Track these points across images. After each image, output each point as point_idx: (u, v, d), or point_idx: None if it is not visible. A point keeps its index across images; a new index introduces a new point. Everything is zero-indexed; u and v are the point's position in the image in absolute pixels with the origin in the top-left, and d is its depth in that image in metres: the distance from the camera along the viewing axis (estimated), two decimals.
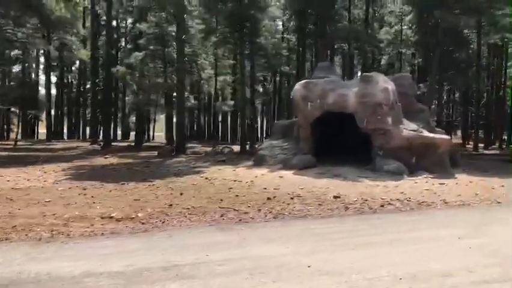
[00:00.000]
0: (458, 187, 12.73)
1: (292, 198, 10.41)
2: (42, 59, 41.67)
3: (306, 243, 6.31)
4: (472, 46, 28.64)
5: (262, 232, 7.15)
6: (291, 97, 16.77)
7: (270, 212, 8.83)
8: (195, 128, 42.01)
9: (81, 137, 42.60)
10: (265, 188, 12.04)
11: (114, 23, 35.72)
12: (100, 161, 20.56)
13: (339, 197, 10.61)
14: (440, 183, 13.17)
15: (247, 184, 12.80)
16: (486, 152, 29.03)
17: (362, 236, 6.84)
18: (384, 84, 15.04)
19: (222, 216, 8.34)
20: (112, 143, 29.91)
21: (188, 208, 9.07)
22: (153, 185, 12.85)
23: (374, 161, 14.97)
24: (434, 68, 22.09)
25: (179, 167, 17.73)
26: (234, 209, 8.96)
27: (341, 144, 17.23)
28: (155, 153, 23.29)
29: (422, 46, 25.00)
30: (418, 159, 15.16)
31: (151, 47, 23.98)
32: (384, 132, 14.91)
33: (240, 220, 8.05)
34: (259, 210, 8.98)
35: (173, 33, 23.55)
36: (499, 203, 10.57)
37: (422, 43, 24.64)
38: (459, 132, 40.23)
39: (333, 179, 13.62)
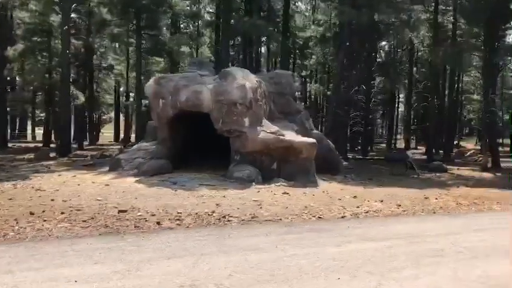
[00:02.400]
0: (302, 198, 11.15)
1: (63, 213, 8.51)
2: None
3: None
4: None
5: None
6: (145, 94, 14.97)
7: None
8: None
9: None
10: (64, 200, 10.08)
11: None
12: None
13: (125, 211, 8.78)
14: (285, 193, 11.58)
15: (49, 193, 10.84)
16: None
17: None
18: (242, 81, 13.37)
19: None
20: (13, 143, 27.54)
21: None
22: None
23: (229, 167, 13.30)
24: (338, 67, 20.70)
25: (27, 171, 15.64)
26: None
27: (212, 147, 15.52)
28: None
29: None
30: (280, 165, 13.57)
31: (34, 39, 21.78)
32: (240, 135, 13.25)
33: None
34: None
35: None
36: (319, 217, 8.99)
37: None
38: None
39: (166, 187, 11.82)
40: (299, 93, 19.05)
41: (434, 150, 33.52)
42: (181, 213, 8.88)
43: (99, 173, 14.95)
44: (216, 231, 7.03)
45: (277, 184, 12.60)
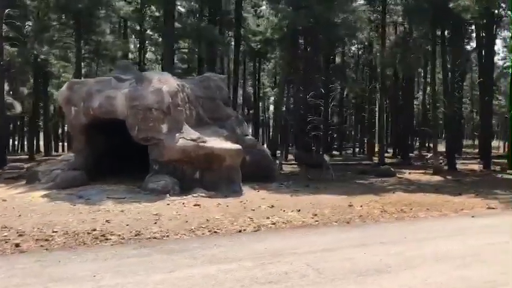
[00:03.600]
0: (212, 209, 10.27)
1: None
2: None
3: None
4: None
5: None
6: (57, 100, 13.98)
7: None
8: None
9: None
10: None
11: None
12: None
13: None
14: (196, 205, 10.70)
15: None
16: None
17: None
18: (158, 84, 12.49)
19: None
20: None
21: None
22: None
23: (146, 177, 12.37)
24: (282, 71, 19.95)
25: None
26: None
27: (138, 155, 14.56)
28: None
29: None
30: (203, 174, 12.71)
31: None
32: (157, 143, 12.35)
33: None
34: None
35: None
36: (215, 232, 8.13)
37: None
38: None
39: (66, 202, 10.82)
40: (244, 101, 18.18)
41: (397, 153, 33.42)
42: (56, 232, 7.92)
43: (13, 186, 13.86)
44: (62, 255, 6.09)
45: (194, 195, 11.72)
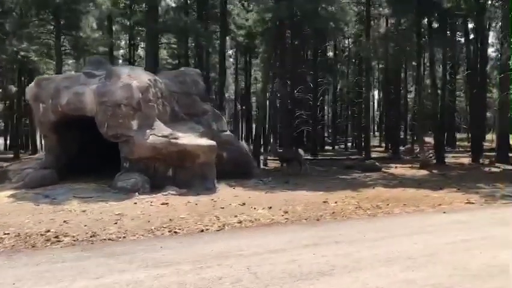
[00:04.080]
0: (180, 208, 9.94)
1: None
2: None
3: None
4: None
5: None
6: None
7: None
8: None
9: None
10: None
11: None
12: None
13: None
14: (164, 203, 10.38)
15: None
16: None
17: None
18: (127, 80, 12.11)
19: None
20: None
21: None
22: None
23: (116, 176, 12.02)
24: (265, 64, 19.56)
25: None
26: None
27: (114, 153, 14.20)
28: None
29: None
30: (176, 172, 12.36)
31: None
32: (127, 140, 11.98)
33: None
34: None
35: None
36: (175, 232, 7.80)
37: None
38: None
39: (30, 202, 10.47)
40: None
41: (389, 147, 33.02)
42: (8, 234, 7.61)
43: None
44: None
45: (165, 193, 11.38)
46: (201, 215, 9.30)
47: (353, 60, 30.48)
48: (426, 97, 20.52)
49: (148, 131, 12.01)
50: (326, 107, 44.60)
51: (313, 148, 29.48)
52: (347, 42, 35.81)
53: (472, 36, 26.49)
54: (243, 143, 15.57)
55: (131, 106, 11.90)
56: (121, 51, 40.34)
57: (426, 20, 19.97)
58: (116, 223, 8.50)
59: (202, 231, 8.02)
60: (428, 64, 25.67)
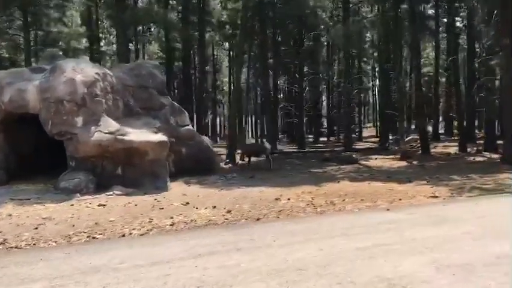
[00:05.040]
0: (114, 209, 9.33)
1: None
2: None
3: None
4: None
5: None
6: None
7: None
8: None
9: None
10: None
11: None
12: None
13: None
14: (101, 205, 9.75)
15: None
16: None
17: None
18: (71, 74, 11.48)
19: None
20: None
21: None
22: None
23: (60, 175, 11.44)
24: (239, 54, 18.74)
25: None
26: None
27: None
28: None
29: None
30: (125, 170, 11.77)
31: None
32: (71, 137, 11.38)
33: None
34: None
35: None
36: (94, 238, 7.22)
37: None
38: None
39: None
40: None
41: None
42: None
43: None
44: None
45: (109, 193, 10.77)
46: (134, 217, 8.69)
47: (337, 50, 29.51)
48: (401, 85, 19.61)
49: (93, 127, 11.39)
50: (323, 98, 43.84)
51: (300, 140, 28.81)
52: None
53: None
54: (205, 138, 14.91)
55: (74, 102, 11.28)
56: (107, 47, 39.79)
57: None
58: (37, 228, 7.91)
59: (124, 236, 7.43)
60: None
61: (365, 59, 39.31)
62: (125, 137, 11.48)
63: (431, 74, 37.33)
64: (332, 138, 38.91)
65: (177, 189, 11.86)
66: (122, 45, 19.78)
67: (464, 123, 24.56)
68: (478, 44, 23.78)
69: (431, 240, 5.30)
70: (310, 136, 39.59)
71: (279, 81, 23.79)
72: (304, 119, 28.45)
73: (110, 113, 12.32)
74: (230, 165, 18.04)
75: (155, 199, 10.39)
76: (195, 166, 13.75)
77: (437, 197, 10.55)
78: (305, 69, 28.56)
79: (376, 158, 19.87)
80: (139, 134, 11.95)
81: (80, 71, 11.71)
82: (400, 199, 10.31)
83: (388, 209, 8.16)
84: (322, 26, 23.77)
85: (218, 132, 44.34)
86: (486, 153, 21.05)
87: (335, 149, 26.39)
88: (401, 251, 4.90)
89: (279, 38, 25.63)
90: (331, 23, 21.37)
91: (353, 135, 40.85)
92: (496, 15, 14.80)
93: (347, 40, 18.50)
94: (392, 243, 5.24)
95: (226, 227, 7.44)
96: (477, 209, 7.78)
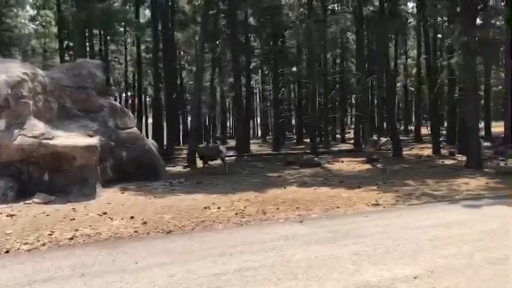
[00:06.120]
0: (19, 220, 8.62)
1: None
2: None
3: None
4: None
5: None
6: None
7: None
8: None
9: None
10: None
11: None
12: None
13: None
14: (10, 215, 9.03)
15: None
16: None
17: None
18: None
19: None
20: None
21: None
22: None
23: None
24: (200, 54, 18.03)
25: None
26: None
27: None
28: None
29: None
30: (53, 176, 11.03)
31: None
32: None
33: None
34: None
35: None
36: None
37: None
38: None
39: None
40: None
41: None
42: None
43: None
44: None
45: (27, 202, 10.02)
46: (36, 229, 7.96)
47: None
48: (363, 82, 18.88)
49: (16, 131, 10.65)
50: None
51: (275, 142, 28.12)
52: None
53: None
54: (150, 141, 14.19)
55: None
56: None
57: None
58: None
59: (8, 252, 6.73)
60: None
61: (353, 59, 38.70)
62: (50, 142, 10.75)
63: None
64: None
65: (107, 197, 11.13)
66: (79, 45, 19.05)
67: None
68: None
69: (306, 264, 4.60)
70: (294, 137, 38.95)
71: (252, 82, 23.05)
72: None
73: (41, 115, 11.60)
74: (189, 169, 17.37)
75: (73, 208, 9.65)
76: (137, 171, 13.05)
77: (378, 204, 9.90)
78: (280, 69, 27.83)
79: (343, 161, 19.18)
80: (68, 138, 11.23)
81: (5, 71, 10.98)
82: (338, 207, 9.64)
83: (302, 221, 7.46)
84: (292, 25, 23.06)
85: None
86: (459, 155, 20.36)
87: (307, 151, 25.76)
88: (262, 277, 4.19)
89: (251, 37, 24.93)
90: (297, 22, 20.72)
91: (338, 136, 40.72)
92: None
93: (308, 39, 17.77)
94: (259, 267, 4.54)
95: (115, 243, 6.73)
96: (393, 222, 7.05)
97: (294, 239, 5.79)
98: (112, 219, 8.77)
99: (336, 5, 22.51)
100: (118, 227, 8.17)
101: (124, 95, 35.32)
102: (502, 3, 15.57)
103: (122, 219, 8.76)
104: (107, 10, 18.44)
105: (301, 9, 21.79)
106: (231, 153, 24.49)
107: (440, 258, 4.64)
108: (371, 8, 22.73)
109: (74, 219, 8.76)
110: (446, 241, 5.34)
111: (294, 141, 36.86)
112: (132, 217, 8.82)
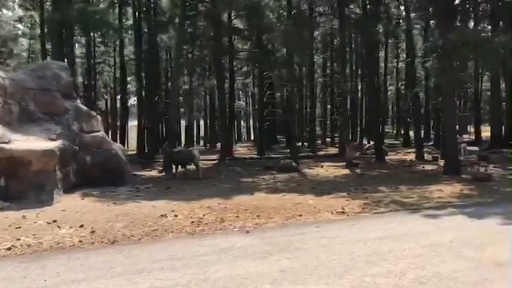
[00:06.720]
0: None
1: None
2: None
3: None
4: None
5: None
6: None
7: None
8: None
9: None
10: None
11: None
12: None
13: None
14: None
15: None
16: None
17: None
18: None
19: None
20: None
21: None
22: None
23: None
24: (176, 57, 17.65)
25: None
26: None
27: None
28: None
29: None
30: (9, 182, 10.63)
31: None
32: None
33: None
34: None
35: None
36: None
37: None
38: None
39: None
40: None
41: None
42: None
43: None
44: None
45: None
46: None
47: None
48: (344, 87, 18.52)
49: None
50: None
51: (259, 146, 27.73)
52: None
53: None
54: (117, 146, 13.81)
55: None
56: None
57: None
58: None
59: None
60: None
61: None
62: (6, 146, 10.36)
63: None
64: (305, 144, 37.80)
65: (64, 203, 10.72)
66: (56, 46, 18.66)
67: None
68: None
69: (222, 283, 4.24)
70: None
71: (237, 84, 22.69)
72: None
73: (0, 118, 11.22)
74: (163, 173, 16.97)
75: (24, 216, 9.25)
76: (102, 176, 12.67)
77: (344, 212, 9.56)
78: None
79: (323, 166, 18.82)
80: (26, 142, 10.84)
81: None
82: (300, 215, 9.29)
83: (248, 231, 7.10)
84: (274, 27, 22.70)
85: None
86: (442, 160, 20.04)
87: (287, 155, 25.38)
88: None
89: (234, 40, 24.57)
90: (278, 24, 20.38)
91: (328, 140, 40.37)
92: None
93: (287, 41, 17.41)
94: (170, 287, 4.16)
95: (42, 256, 6.35)
96: (342, 234, 6.67)
97: (227, 253, 5.43)
98: (59, 227, 8.39)
99: (320, 7, 22.15)
100: (63, 236, 7.81)
101: (108, 98, 34.95)
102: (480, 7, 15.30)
103: (70, 227, 8.39)
104: (83, 11, 18.05)
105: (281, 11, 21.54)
106: (214, 156, 24.17)
107: (369, 277, 4.29)
108: (357, 11, 22.59)
109: (20, 227, 8.38)
110: (384, 256, 4.98)
111: (284, 144, 36.51)
112: (82, 225, 8.45)
